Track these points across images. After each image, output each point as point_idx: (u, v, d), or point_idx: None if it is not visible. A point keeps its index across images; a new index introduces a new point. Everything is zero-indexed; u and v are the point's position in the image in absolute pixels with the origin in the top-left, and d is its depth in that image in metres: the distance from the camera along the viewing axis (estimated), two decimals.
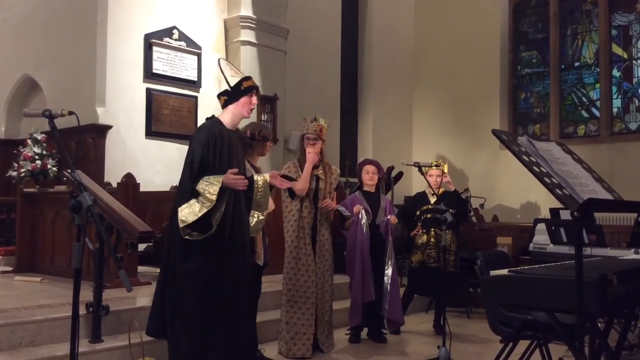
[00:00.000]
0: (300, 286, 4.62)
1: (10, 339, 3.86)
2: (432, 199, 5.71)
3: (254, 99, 3.73)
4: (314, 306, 4.66)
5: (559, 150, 2.65)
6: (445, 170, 5.74)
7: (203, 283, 3.44)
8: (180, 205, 3.43)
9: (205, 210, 3.37)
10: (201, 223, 3.38)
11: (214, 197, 3.37)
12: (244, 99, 3.68)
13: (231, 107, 3.70)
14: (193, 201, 3.40)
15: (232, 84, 3.67)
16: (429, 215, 5.70)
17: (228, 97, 3.68)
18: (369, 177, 5.32)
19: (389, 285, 5.12)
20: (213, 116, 3.77)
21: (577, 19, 11.37)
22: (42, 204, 6.42)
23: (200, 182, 3.40)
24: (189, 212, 3.38)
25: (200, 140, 3.51)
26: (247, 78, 3.74)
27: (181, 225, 3.38)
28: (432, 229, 5.67)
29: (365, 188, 5.38)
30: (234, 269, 3.54)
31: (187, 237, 3.40)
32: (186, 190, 3.46)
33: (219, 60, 3.88)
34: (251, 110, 3.76)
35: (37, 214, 6.43)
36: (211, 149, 3.50)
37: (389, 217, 5.24)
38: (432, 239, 5.66)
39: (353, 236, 5.15)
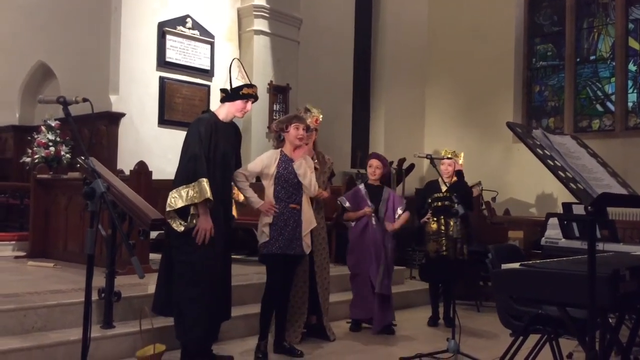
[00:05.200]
0: (295, 276, 4.64)
1: (23, 324, 3.91)
2: (444, 188, 5.72)
3: (249, 106, 4.09)
4: (306, 295, 4.69)
5: (574, 144, 2.63)
6: (460, 162, 5.77)
7: (199, 269, 3.81)
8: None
9: (191, 201, 3.72)
10: (184, 211, 3.76)
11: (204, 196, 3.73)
12: (239, 103, 4.04)
13: (227, 105, 4.07)
14: (182, 187, 3.75)
15: (234, 86, 4.02)
16: (439, 204, 5.72)
17: (226, 95, 4.05)
18: (372, 172, 5.37)
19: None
20: (209, 109, 4.13)
21: (593, 12, 11.24)
22: (55, 190, 6.47)
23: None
24: (177, 196, 3.76)
25: (200, 132, 3.85)
26: (250, 86, 4.08)
27: (167, 209, 3.78)
28: (442, 217, 5.68)
29: (370, 181, 5.42)
30: (226, 251, 4.03)
31: (169, 220, 3.81)
32: (185, 175, 3.78)
33: (233, 59, 4.15)
34: (244, 113, 4.14)
35: (50, 200, 6.48)
36: (206, 140, 3.84)
37: (391, 225, 5.25)
38: (442, 227, 5.68)
39: (358, 234, 5.22)
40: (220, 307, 3.99)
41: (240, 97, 4.02)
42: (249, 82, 4.09)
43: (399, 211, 5.34)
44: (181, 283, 3.82)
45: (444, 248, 5.66)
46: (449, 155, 5.79)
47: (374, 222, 5.21)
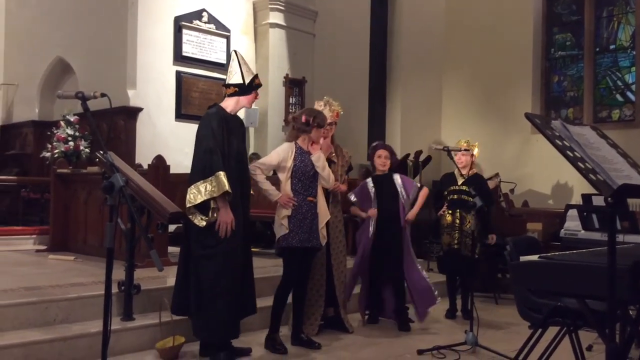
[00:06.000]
0: (312, 268, 4.65)
1: (45, 316, 3.96)
2: (460, 180, 5.66)
3: (257, 95, 4.19)
4: (323, 287, 4.69)
5: (594, 134, 2.59)
6: (475, 153, 5.69)
7: (221, 263, 3.81)
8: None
9: (210, 195, 3.73)
10: (204, 206, 3.77)
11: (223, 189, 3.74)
12: (252, 94, 4.10)
13: (239, 98, 4.08)
14: (200, 182, 3.76)
15: (247, 79, 4.04)
16: (455, 196, 5.66)
17: (240, 89, 4.05)
18: (382, 162, 5.26)
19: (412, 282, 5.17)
20: (216, 104, 4.12)
21: (613, 0, 11.07)
22: (75, 184, 6.54)
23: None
24: (196, 191, 3.76)
25: (213, 126, 3.87)
26: (257, 76, 4.13)
27: (187, 205, 3.78)
28: (458, 211, 5.63)
29: (378, 172, 5.33)
30: (246, 244, 4.04)
31: (190, 216, 3.79)
32: (201, 170, 3.79)
33: (235, 52, 4.18)
34: (252, 103, 4.24)
35: (70, 195, 6.56)
36: (219, 135, 3.86)
37: (407, 217, 5.20)
38: (457, 220, 5.62)
39: (359, 235, 5.27)
40: (243, 301, 3.99)
41: (254, 88, 4.08)
42: (255, 73, 4.14)
43: (413, 194, 5.24)
44: (203, 278, 3.81)
45: (455, 242, 5.61)
46: (464, 146, 5.69)
47: (370, 229, 5.16)
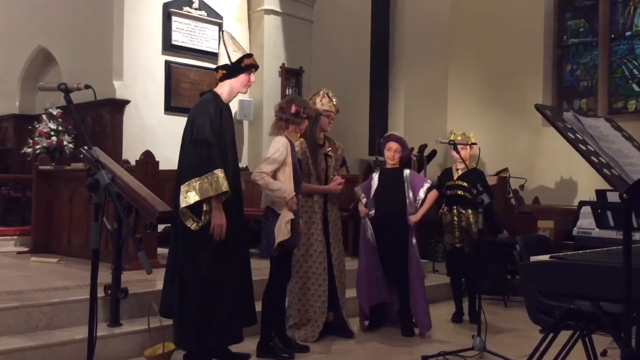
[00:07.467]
0: (312, 273, 4.65)
1: (27, 322, 3.97)
2: (456, 175, 5.66)
3: (252, 77, 3.97)
4: (326, 293, 4.70)
5: (608, 127, 2.60)
6: (472, 140, 5.69)
7: (211, 267, 3.74)
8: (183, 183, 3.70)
9: (205, 195, 3.62)
10: (196, 206, 3.66)
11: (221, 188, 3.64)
12: (242, 76, 3.92)
13: (229, 82, 3.93)
14: (194, 180, 3.64)
15: (233, 59, 3.89)
16: (449, 192, 5.64)
17: (227, 71, 3.90)
18: (390, 156, 5.23)
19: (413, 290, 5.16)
20: (211, 90, 3.99)
21: None
22: (58, 182, 6.54)
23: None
24: (190, 189, 3.65)
25: (211, 116, 3.73)
26: (249, 55, 3.97)
27: (182, 205, 3.66)
28: (455, 207, 5.62)
29: (388, 166, 5.32)
30: (242, 247, 3.96)
31: (183, 218, 3.67)
32: (196, 165, 3.67)
33: (222, 32, 4.15)
34: (248, 87, 4.05)
35: (53, 193, 6.55)
36: (216, 124, 3.74)
37: (412, 217, 5.14)
38: (455, 218, 5.61)
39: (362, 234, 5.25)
40: (239, 308, 3.89)
41: (243, 69, 3.90)
42: (247, 52, 4.00)
43: (421, 194, 5.14)
44: (189, 283, 3.74)
45: (457, 240, 5.61)
46: (459, 139, 5.63)
47: (369, 230, 5.15)
